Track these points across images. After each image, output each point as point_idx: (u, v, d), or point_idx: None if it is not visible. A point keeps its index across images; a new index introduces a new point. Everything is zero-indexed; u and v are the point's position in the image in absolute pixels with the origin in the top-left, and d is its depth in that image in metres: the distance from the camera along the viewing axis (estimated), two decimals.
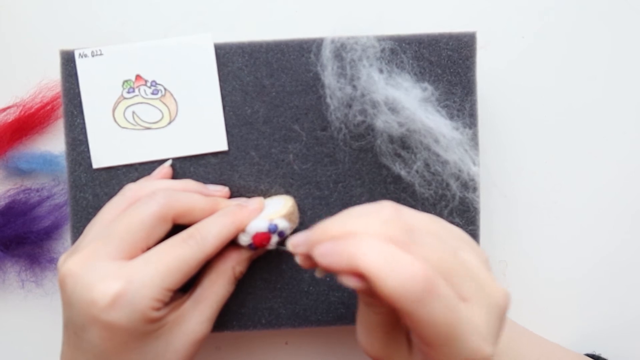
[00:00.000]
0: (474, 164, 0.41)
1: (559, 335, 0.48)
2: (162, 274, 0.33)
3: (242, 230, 0.38)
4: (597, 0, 0.48)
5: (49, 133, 0.47)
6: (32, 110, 0.46)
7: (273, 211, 0.39)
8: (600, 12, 0.48)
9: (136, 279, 0.33)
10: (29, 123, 0.46)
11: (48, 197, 0.46)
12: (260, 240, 0.38)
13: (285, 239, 0.37)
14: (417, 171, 0.42)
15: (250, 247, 0.38)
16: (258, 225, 0.38)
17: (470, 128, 0.41)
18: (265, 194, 0.42)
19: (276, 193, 0.42)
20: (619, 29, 0.48)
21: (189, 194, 0.38)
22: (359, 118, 0.41)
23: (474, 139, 0.41)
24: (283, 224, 0.38)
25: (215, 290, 0.38)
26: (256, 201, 0.40)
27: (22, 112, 0.46)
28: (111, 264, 0.34)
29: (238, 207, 0.38)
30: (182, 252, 0.34)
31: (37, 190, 0.46)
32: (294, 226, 0.40)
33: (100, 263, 0.34)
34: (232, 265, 0.38)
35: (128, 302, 0.32)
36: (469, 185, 0.41)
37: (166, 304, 0.35)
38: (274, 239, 0.38)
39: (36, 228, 0.46)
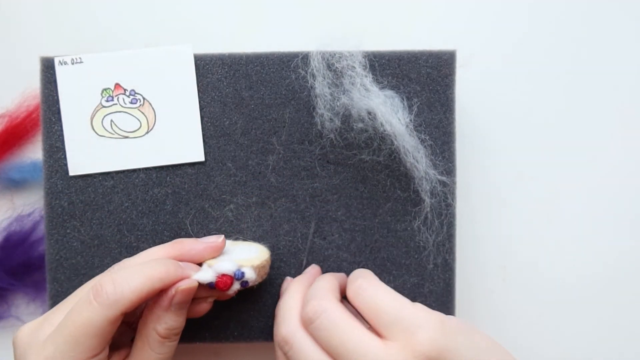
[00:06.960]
0: (450, 174, 0.41)
1: (559, 338, 0.49)
2: (70, 344, 0.33)
3: (209, 265, 0.36)
4: None
5: (38, 141, 0.46)
6: (19, 120, 0.46)
7: (246, 258, 0.37)
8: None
9: (49, 353, 0.33)
10: (16, 133, 0.46)
11: (40, 219, 0.46)
12: (222, 283, 0.36)
13: (246, 288, 0.37)
14: (393, 185, 0.42)
15: (210, 285, 0.36)
16: (225, 266, 0.36)
17: (448, 143, 0.42)
18: (241, 206, 0.42)
19: (255, 204, 0.42)
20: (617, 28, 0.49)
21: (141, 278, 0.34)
22: (335, 133, 0.41)
23: (450, 150, 0.42)
24: (250, 275, 0.37)
25: (144, 357, 0.35)
26: (213, 238, 0.38)
27: (9, 123, 0.45)
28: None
29: (181, 247, 0.38)
30: (87, 315, 0.33)
31: (29, 215, 0.46)
32: (260, 281, 0.38)
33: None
34: (152, 327, 0.35)
35: None
36: (445, 196, 0.42)
37: None
38: (236, 286, 0.37)
39: (36, 254, 0.46)
